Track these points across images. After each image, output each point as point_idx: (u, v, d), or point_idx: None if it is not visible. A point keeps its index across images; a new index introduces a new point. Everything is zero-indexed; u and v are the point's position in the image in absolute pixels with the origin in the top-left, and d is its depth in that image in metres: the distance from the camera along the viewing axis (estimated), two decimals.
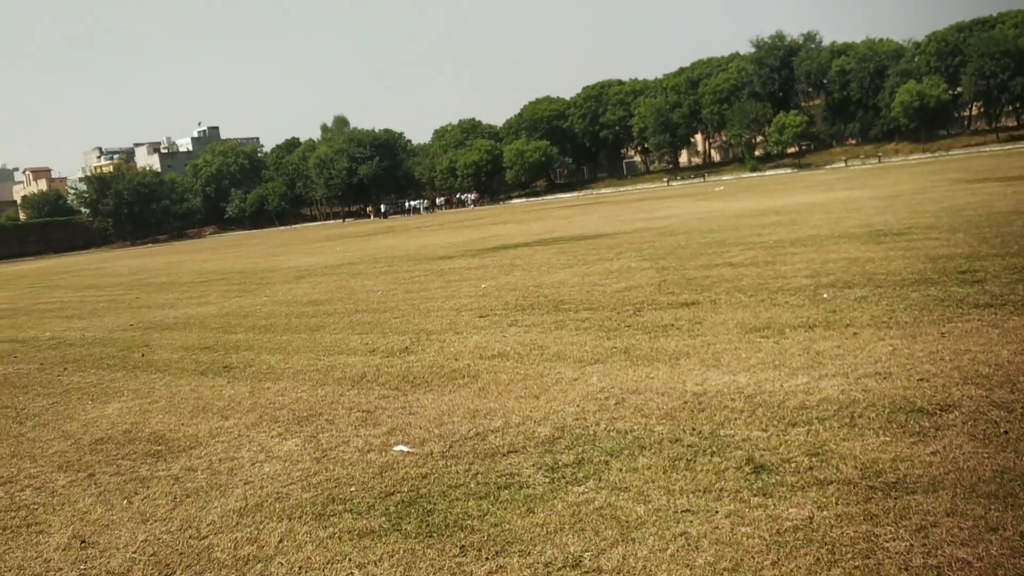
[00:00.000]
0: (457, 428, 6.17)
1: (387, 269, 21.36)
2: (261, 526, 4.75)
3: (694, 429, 5.49)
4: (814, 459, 4.73)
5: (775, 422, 5.44)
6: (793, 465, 4.69)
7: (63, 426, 7.82)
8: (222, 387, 8.76)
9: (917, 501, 4.04)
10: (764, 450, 4.97)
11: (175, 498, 5.38)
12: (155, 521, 5.02)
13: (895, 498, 4.11)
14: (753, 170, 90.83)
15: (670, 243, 18.81)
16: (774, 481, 4.50)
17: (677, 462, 4.94)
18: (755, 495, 4.35)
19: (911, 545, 3.67)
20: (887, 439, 4.91)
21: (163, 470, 6.04)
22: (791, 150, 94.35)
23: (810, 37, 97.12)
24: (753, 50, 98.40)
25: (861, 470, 4.49)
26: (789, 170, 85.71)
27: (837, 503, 4.13)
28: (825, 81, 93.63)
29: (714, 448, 5.09)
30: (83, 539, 4.86)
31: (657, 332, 8.80)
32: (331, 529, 4.58)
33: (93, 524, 5.10)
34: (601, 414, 6.07)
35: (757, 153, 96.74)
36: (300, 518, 4.79)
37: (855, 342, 7.32)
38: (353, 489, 5.15)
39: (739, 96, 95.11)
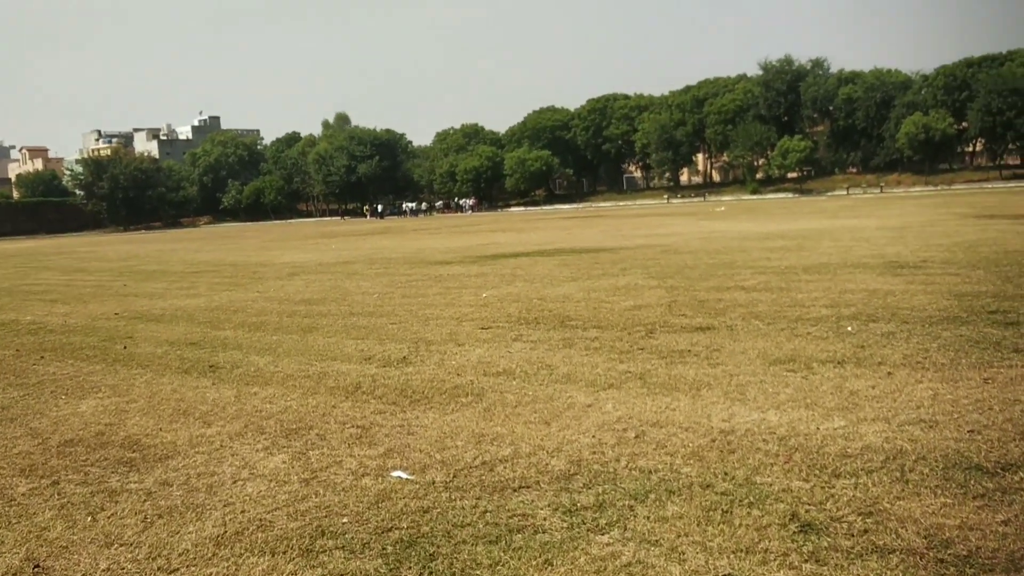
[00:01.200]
0: (461, 454, 5.61)
1: (383, 271, 20.79)
2: (240, 560, 4.18)
3: (726, 474, 4.95)
4: (868, 520, 4.20)
5: (816, 471, 4.91)
6: (845, 526, 4.15)
7: (32, 423, 7.24)
8: (206, 389, 8.19)
9: None
10: (809, 504, 4.43)
11: (145, 518, 4.81)
12: (120, 546, 4.45)
13: None
14: (754, 192, 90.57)
15: (676, 262, 18.30)
16: (826, 544, 3.95)
17: (711, 513, 4.40)
18: (806, 560, 3.81)
19: None
20: (948, 501, 4.38)
21: (135, 482, 5.47)
22: (793, 175, 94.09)
23: (818, 63, 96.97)
24: (761, 72, 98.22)
25: (926, 538, 3.96)
26: (790, 195, 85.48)
27: None
28: (831, 108, 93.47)
29: (752, 498, 4.55)
30: (37, 563, 4.28)
31: (673, 357, 8.26)
32: (320, 570, 4.01)
33: (51, 544, 4.52)
34: (620, 448, 5.52)
35: (758, 176, 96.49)
36: (285, 553, 4.23)
37: (891, 383, 6.79)
38: (346, 521, 4.59)
39: (744, 118, 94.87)
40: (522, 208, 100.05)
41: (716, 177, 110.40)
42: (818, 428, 5.71)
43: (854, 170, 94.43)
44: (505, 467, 5.30)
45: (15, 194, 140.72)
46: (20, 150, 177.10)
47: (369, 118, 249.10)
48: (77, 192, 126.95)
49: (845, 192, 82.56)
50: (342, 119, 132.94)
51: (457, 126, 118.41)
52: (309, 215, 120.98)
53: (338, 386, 7.94)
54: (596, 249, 23.87)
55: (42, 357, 10.70)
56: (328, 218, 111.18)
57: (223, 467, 5.67)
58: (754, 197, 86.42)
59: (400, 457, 5.64)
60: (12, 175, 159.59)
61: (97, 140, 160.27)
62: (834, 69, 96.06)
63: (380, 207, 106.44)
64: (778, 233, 26.24)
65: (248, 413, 7.12)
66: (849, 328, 9.23)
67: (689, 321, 10.35)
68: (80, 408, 7.68)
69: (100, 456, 6.11)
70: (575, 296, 13.44)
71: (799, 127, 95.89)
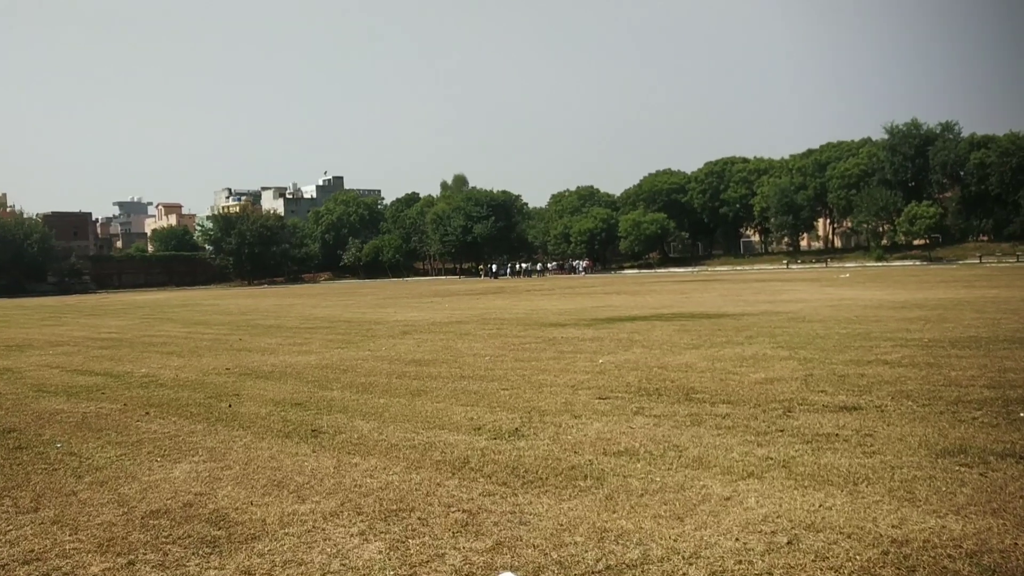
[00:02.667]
0: (581, 554, 4.84)
1: (496, 332, 20.24)
2: None
3: None
4: None
5: None
6: None
7: (122, 488, 6.81)
8: (305, 457, 7.66)
9: None
10: None
11: None
12: None
13: None
14: (879, 259, 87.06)
15: (805, 331, 17.12)
16: None
17: None
18: None
19: None
20: None
21: (215, 568, 4.89)
22: (919, 242, 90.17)
23: (948, 127, 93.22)
24: (886, 136, 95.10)
25: None
26: (917, 262, 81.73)
27: None
28: (962, 173, 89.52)
29: None
30: None
31: (819, 442, 7.31)
32: None
33: None
34: (772, 558, 4.65)
35: (883, 242, 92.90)
36: None
37: None
38: None
39: (868, 182, 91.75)
40: (636, 270, 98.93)
41: (837, 243, 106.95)
42: (1015, 543, 4.71)
43: (986, 238, 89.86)
44: (633, 575, 4.50)
45: (150, 247, 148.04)
46: (156, 206, 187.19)
47: (486, 179, 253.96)
48: (207, 247, 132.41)
49: (978, 260, 78.39)
50: (460, 180, 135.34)
51: (572, 188, 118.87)
52: (425, 273, 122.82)
53: (444, 460, 7.28)
54: (717, 314, 22.79)
55: (147, 413, 10.44)
56: (444, 277, 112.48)
57: (312, 554, 5.05)
58: (879, 264, 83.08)
59: (511, 553, 4.91)
60: (148, 230, 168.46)
61: (227, 197, 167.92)
62: (965, 133, 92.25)
63: (495, 267, 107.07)
64: (913, 302, 24.61)
65: (346, 488, 6.52)
66: (1022, 414, 8.08)
67: (831, 399, 9.33)
68: (173, 473, 7.25)
69: (184, 532, 5.58)
70: (698, 365, 12.52)
71: (927, 192, 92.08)
